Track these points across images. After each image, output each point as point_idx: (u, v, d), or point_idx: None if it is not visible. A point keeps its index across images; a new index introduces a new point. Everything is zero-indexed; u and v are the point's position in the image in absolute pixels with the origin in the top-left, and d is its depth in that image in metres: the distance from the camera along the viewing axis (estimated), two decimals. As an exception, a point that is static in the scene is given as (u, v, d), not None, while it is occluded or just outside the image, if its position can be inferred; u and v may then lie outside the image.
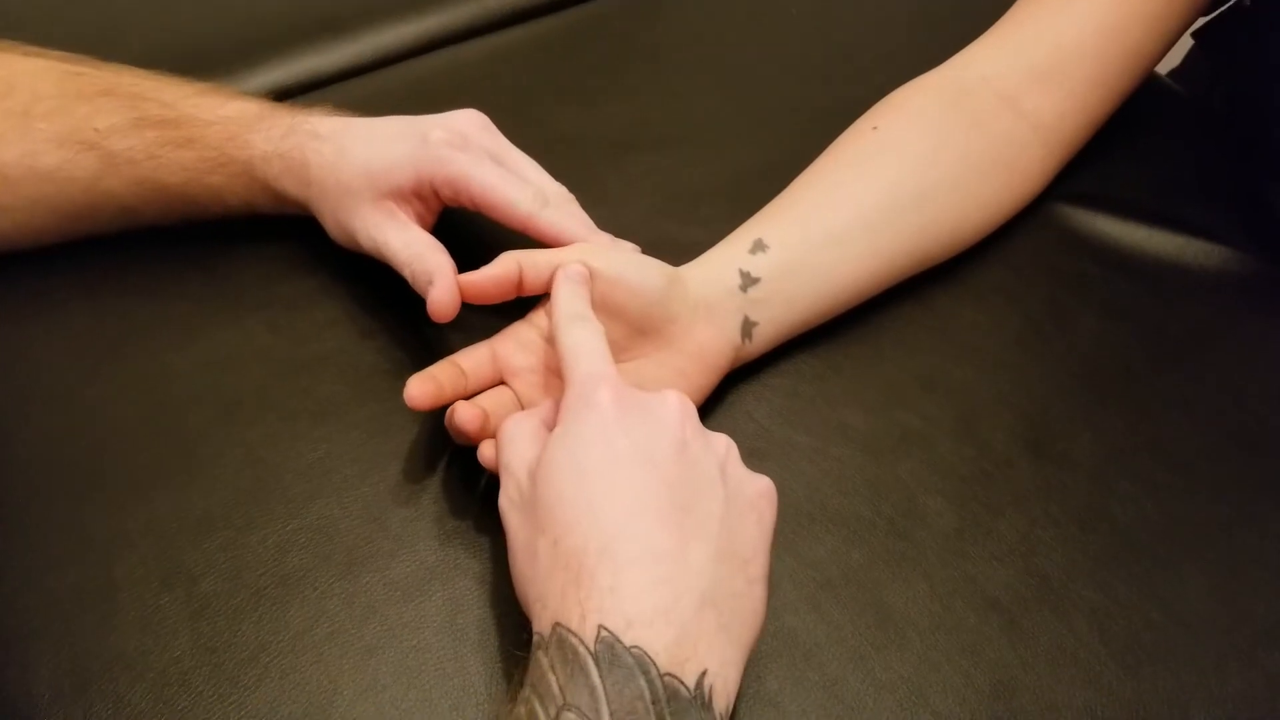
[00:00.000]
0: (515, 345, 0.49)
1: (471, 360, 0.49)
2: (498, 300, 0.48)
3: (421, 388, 0.46)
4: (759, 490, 0.42)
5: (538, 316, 0.50)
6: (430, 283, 0.48)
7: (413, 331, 0.54)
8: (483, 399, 0.48)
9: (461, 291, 0.48)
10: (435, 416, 0.51)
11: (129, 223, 0.55)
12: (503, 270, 0.47)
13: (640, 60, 0.74)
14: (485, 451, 0.46)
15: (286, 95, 0.69)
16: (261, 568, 0.46)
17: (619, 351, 0.48)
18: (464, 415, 0.45)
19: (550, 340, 0.47)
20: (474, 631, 0.44)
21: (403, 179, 0.50)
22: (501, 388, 0.49)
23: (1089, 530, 0.50)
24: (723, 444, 0.42)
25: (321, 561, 0.46)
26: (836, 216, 0.54)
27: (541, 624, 0.37)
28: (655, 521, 0.38)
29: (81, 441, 0.51)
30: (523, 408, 0.49)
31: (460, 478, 0.49)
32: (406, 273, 0.50)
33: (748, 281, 0.51)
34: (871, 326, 0.57)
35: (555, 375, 0.48)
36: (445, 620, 0.45)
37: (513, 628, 0.44)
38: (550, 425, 0.43)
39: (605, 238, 0.51)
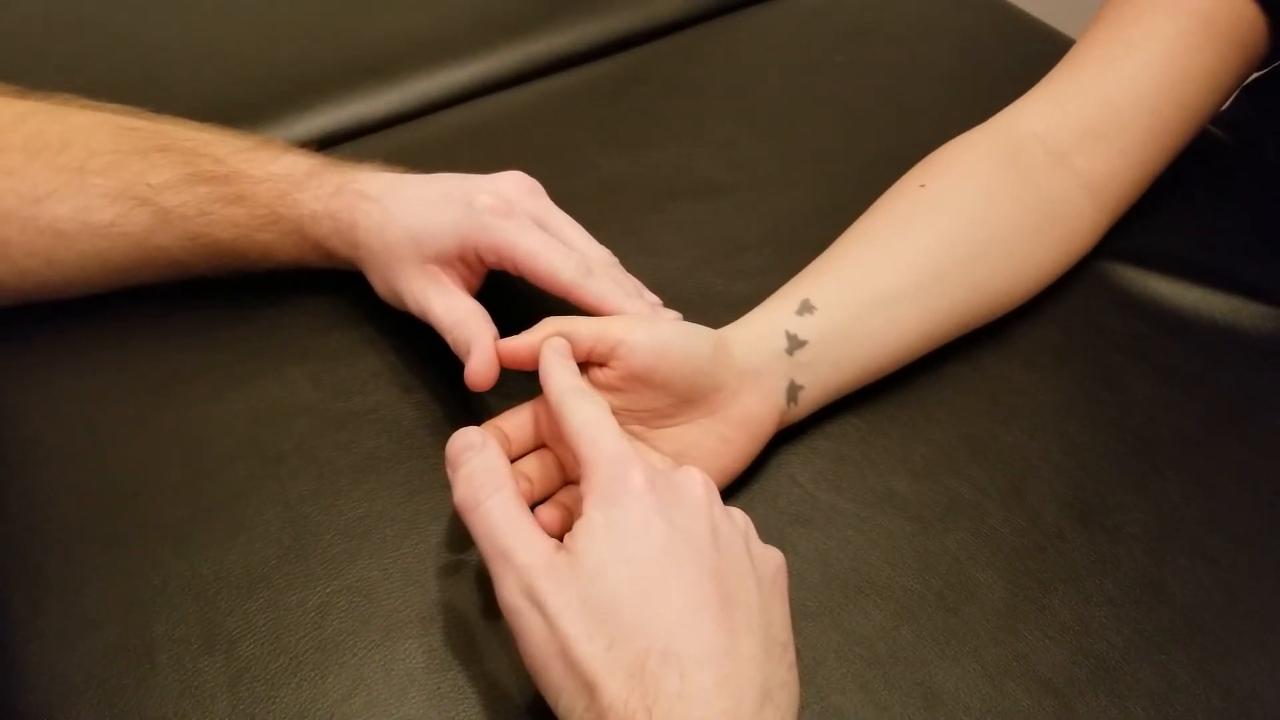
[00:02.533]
0: None
1: (514, 423, 0.48)
2: (535, 368, 0.47)
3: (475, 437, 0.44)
4: (777, 565, 0.42)
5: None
6: (469, 352, 0.47)
7: (456, 387, 0.53)
8: (527, 465, 0.47)
9: (500, 357, 0.47)
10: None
11: (179, 275, 0.55)
12: (542, 338, 0.47)
13: (683, 107, 0.73)
14: (544, 517, 0.45)
15: (332, 142, 0.70)
16: (301, 631, 0.46)
17: (662, 419, 0.48)
18: None
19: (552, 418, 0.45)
20: (516, 702, 0.44)
21: (447, 245, 0.50)
22: (543, 451, 0.48)
23: (1145, 607, 0.48)
24: (742, 519, 0.42)
25: (361, 626, 0.46)
26: (886, 278, 0.53)
27: None
28: (709, 617, 0.37)
29: (122, 492, 0.50)
30: (565, 472, 0.48)
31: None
32: (449, 339, 0.50)
33: (794, 344, 0.50)
34: (918, 388, 0.56)
35: None
36: (487, 689, 0.44)
37: (554, 702, 0.44)
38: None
39: (647, 306, 0.50)
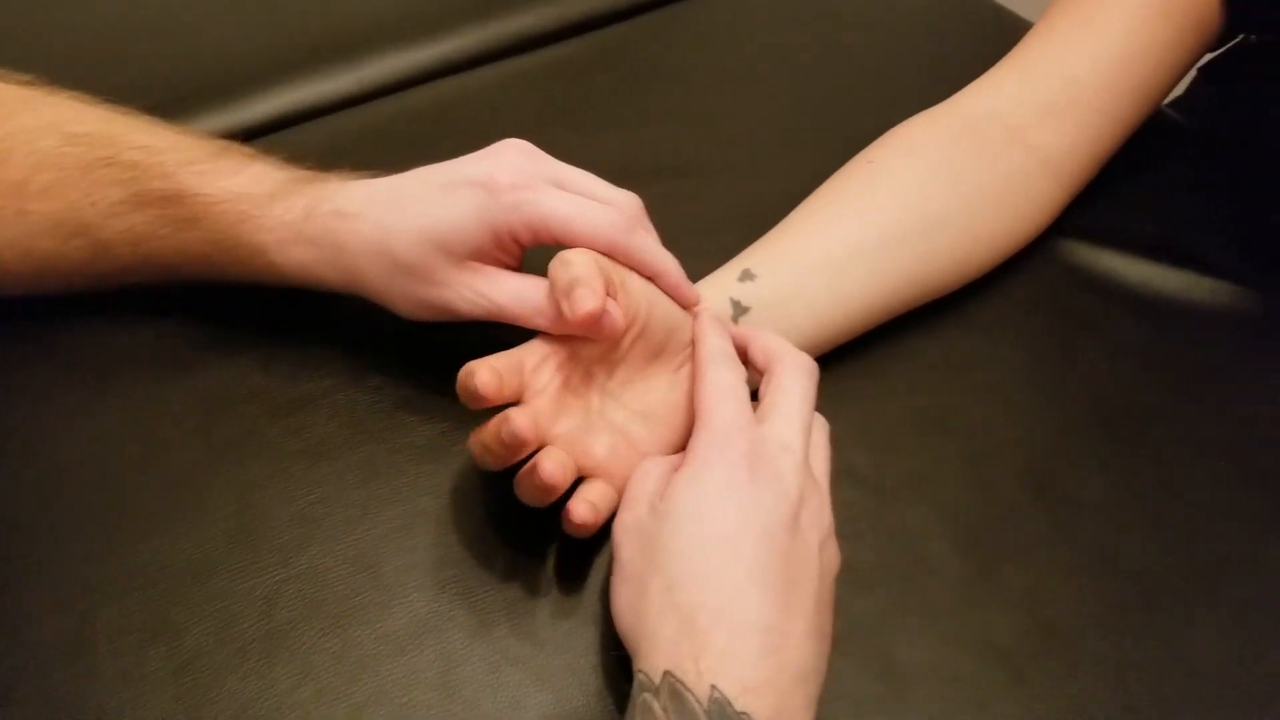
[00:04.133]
0: (538, 358, 0.47)
1: (504, 364, 0.45)
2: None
3: (491, 379, 0.43)
4: (836, 569, 0.44)
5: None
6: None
7: (409, 371, 0.53)
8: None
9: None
10: (432, 457, 0.50)
11: (123, 286, 0.53)
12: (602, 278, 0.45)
13: (652, 88, 0.73)
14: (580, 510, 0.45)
15: (292, 123, 0.68)
16: (249, 621, 0.45)
17: (633, 373, 0.48)
18: (550, 466, 0.43)
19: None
20: (467, 689, 0.43)
21: (480, 238, 0.46)
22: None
23: (1098, 576, 0.49)
24: (828, 520, 0.43)
25: (311, 614, 0.45)
26: (825, 246, 0.53)
27: (649, 664, 0.38)
28: (767, 592, 0.39)
29: (67, 482, 0.49)
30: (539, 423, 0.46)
31: (456, 524, 0.48)
32: (535, 324, 0.47)
33: (739, 311, 0.51)
34: (879, 360, 0.56)
35: (573, 395, 0.47)
36: (438, 677, 0.43)
37: (506, 685, 0.43)
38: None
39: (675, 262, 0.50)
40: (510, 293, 0.47)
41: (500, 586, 0.46)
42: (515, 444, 0.43)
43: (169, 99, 0.55)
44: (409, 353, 0.53)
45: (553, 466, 0.43)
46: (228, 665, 0.44)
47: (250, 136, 0.66)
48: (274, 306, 0.56)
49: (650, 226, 0.49)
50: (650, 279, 0.48)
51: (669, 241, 0.60)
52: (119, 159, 0.50)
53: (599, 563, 0.47)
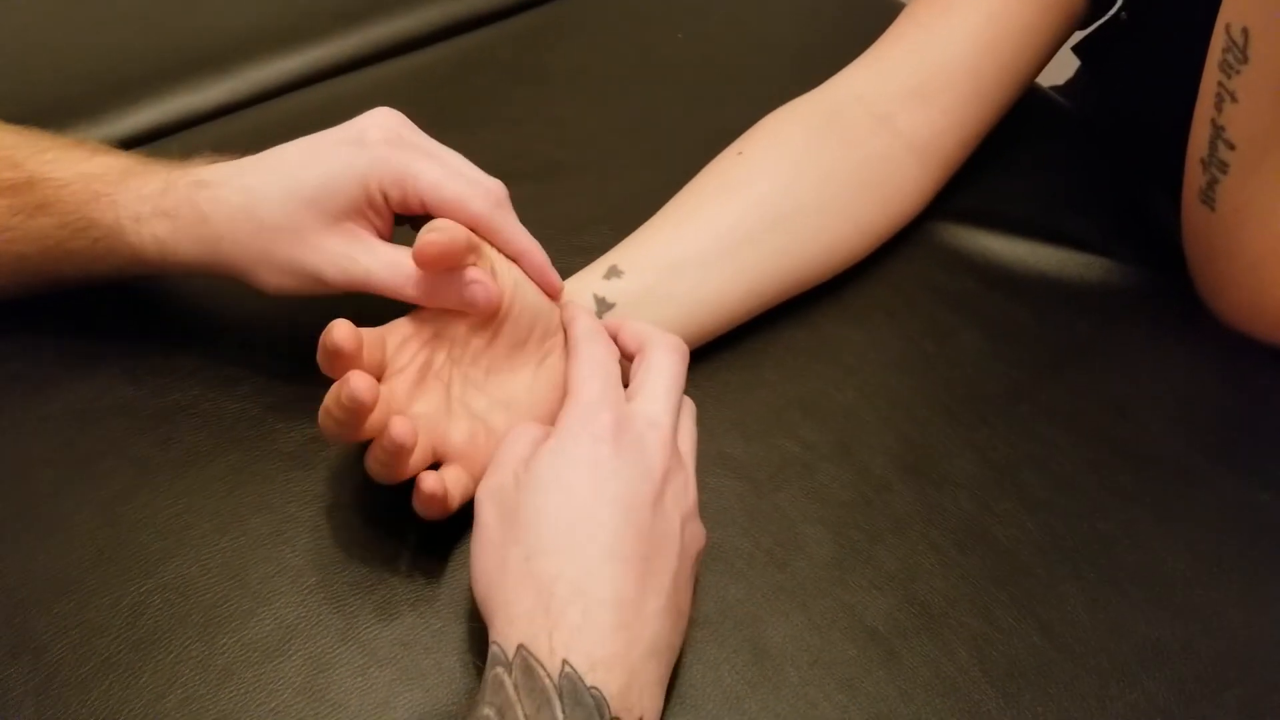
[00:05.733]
0: (401, 338, 0.46)
1: (368, 334, 0.45)
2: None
3: (350, 335, 0.42)
4: (700, 547, 0.44)
5: (423, 312, 0.47)
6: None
7: (279, 378, 0.52)
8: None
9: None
10: (300, 464, 0.50)
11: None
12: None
13: (522, 90, 0.73)
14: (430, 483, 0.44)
15: (159, 136, 0.67)
16: (113, 633, 0.44)
17: (496, 363, 0.48)
18: (401, 429, 0.42)
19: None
20: (334, 691, 0.43)
21: (354, 191, 0.45)
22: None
23: (969, 553, 0.49)
24: (692, 498, 0.44)
25: (177, 624, 0.45)
26: (691, 241, 0.54)
27: (503, 638, 0.38)
28: (623, 567, 0.39)
29: (-73, 503, 0.48)
30: (393, 400, 0.45)
31: (324, 529, 0.48)
32: (407, 294, 0.46)
33: (603, 307, 0.51)
34: (753, 350, 0.56)
35: (434, 378, 0.47)
36: (305, 681, 0.43)
37: (375, 686, 0.43)
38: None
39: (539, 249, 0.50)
40: (383, 260, 0.46)
41: (368, 590, 0.46)
42: (354, 407, 0.41)
43: (34, 113, 0.54)
44: (278, 359, 0.53)
45: (402, 426, 0.42)
46: (92, 678, 0.43)
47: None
48: (141, 316, 0.55)
49: (513, 212, 0.49)
50: (514, 259, 0.48)
51: (539, 240, 0.60)
52: None
53: (466, 561, 0.47)
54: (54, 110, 0.66)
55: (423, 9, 0.78)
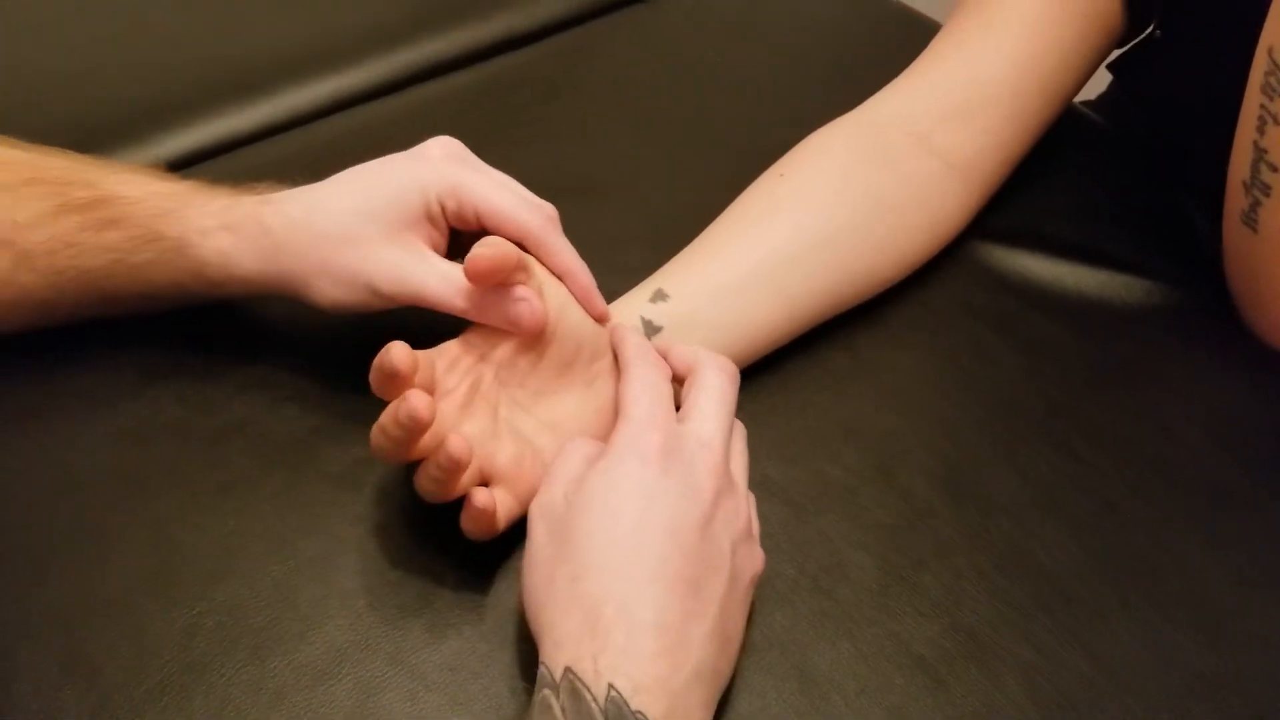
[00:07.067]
0: (450, 360, 0.47)
1: (420, 356, 0.45)
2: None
3: (407, 356, 0.43)
4: (755, 573, 0.44)
5: (471, 335, 0.48)
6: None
7: (324, 398, 0.53)
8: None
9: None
10: (348, 485, 0.50)
11: (43, 320, 0.52)
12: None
13: (562, 108, 0.73)
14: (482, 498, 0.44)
15: (202, 159, 0.68)
16: (166, 654, 0.45)
17: (544, 384, 0.48)
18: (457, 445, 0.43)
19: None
20: (383, 716, 0.43)
21: (413, 200, 0.47)
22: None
23: (1013, 578, 0.49)
24: (745, 518, 0.44)
25: (229, 647, 0.45)
26: (737, 265, 0.54)
27: (551, 660, 0.38)
28: (669, 591, 0.39)
29: (-19, 522, 0.49)
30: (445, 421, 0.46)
31: (372, 550, 0.48)
32: (457, 306, 0.47)
33: (650, 330, 0.52)
34: (792, 373, 0.56)
35: (481, 400, 0.47)
36: (355, 705, 0.43)
37: (425, 712, 0.43)
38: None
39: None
40: (437, 271, 0.47)
41: (416, 613, 0.46)
42: (412, 425, 0.42)
43: (76, 139, 0.55)
44: (322, 381, 0.53)
45: (458, 443, 0.42)
46: (145, 701, 0.43)
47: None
48: (191, 336, 0.56)
49: (563, 234, 0.50)
50: (561, 278, 0.49)
51: (582, 257, 0.61)
52: (43, 178, 0.51)
53: (513, 584, 0.47)
54: (94, 134, 0.67)
55: (459, 32, 0.79)
